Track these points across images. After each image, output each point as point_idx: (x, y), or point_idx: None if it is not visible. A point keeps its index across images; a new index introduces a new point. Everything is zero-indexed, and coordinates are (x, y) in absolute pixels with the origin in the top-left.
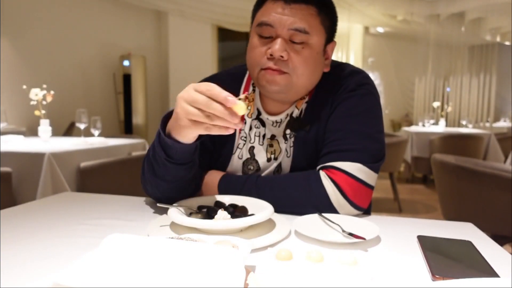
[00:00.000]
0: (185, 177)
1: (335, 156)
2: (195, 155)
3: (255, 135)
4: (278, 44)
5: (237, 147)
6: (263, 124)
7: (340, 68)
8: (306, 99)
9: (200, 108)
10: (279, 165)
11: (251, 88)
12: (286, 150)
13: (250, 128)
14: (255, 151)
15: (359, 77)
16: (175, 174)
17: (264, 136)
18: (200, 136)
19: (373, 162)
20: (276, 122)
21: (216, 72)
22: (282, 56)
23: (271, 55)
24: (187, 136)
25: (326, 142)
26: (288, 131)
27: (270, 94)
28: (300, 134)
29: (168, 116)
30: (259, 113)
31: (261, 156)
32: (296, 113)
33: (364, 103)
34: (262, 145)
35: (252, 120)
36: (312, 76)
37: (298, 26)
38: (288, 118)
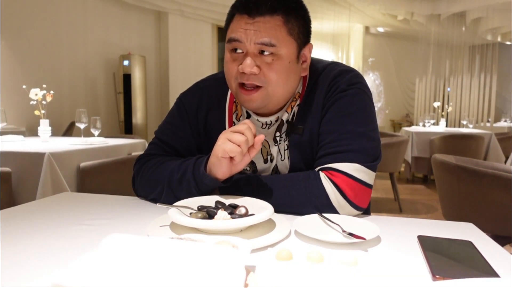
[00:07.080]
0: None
1: (333, 158)
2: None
3: None
4: (248, 61)
5: None
6: None
7: (330, 68)
8: (298, 102)
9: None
10: (276, 168)
11: None
12: (279, 153)
13: None
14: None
15: (349, 76)
16: (188, 196)
17: None
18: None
19: (371, 161)
20: (266, 123)
21: (206, 76)
22: (253, 71)
23: (243, 71)
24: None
25: (321, 143)
26: (278, 134)
27: (251, 110)
28: (294, 137)
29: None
30: (248, 115)
31: (257, 157)
32: (286, 116)
33: (356, 103)
34: None
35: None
36: (287, 85)
37: (263, 41)
38: (278, 121)
